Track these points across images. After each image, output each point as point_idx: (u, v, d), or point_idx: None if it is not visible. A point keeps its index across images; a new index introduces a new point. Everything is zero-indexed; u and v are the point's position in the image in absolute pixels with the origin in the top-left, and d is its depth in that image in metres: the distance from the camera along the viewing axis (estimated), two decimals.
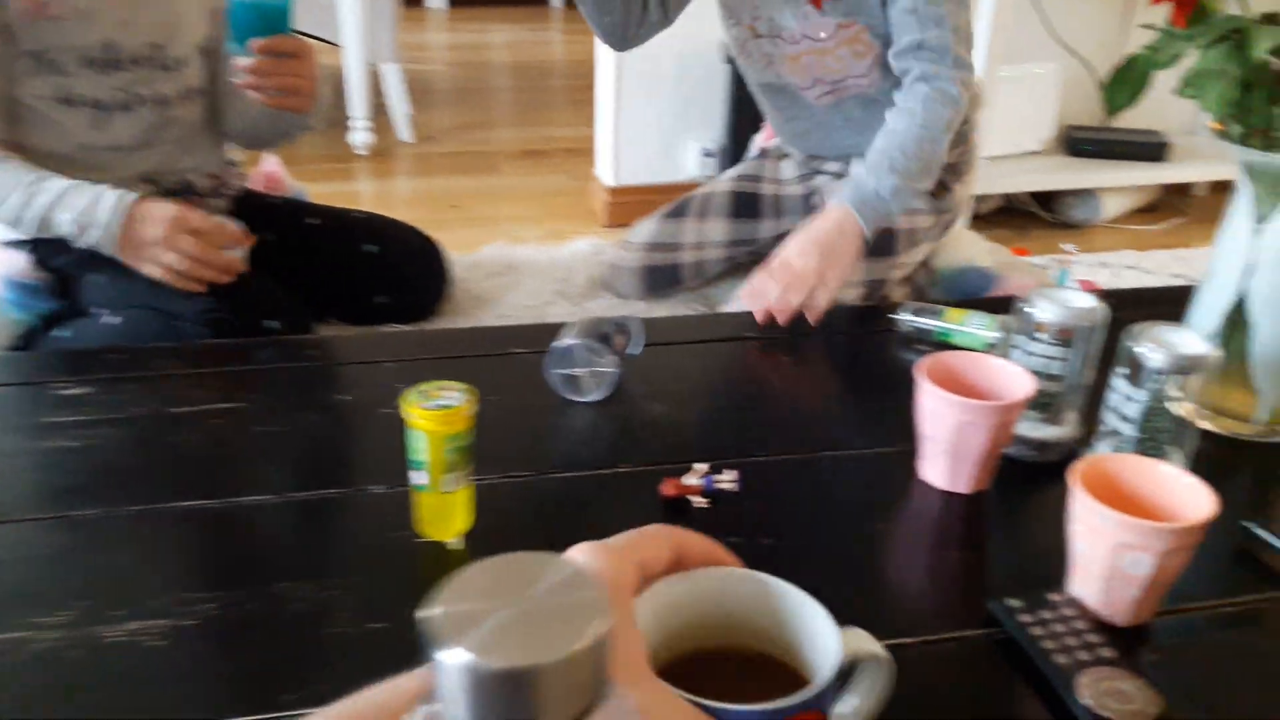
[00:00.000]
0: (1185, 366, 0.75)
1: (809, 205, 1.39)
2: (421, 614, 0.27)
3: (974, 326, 1.01)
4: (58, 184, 1.12)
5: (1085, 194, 2.54)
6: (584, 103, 3.77)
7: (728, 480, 0.79)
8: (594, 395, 0.92)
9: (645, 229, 1.44)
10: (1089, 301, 0.82)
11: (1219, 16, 0.80)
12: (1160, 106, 1.37)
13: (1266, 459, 0.86)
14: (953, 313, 1.03)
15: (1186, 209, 2.66)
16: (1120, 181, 2.49)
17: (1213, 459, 0.84)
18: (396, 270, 1.30)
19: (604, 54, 2.53)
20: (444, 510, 0.72)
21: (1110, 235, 2.49)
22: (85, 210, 1.11)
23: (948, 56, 1.17)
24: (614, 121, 2.56)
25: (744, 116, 2.41)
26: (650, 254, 1.42)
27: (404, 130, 3.23)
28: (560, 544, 0.71)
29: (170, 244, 1.10)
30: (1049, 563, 0.70)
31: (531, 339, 1.02)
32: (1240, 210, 0.84)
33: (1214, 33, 0.79)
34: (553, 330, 0.97)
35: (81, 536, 0.74)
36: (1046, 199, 2.55)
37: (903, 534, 0.77)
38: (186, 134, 1.26)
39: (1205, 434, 0.88)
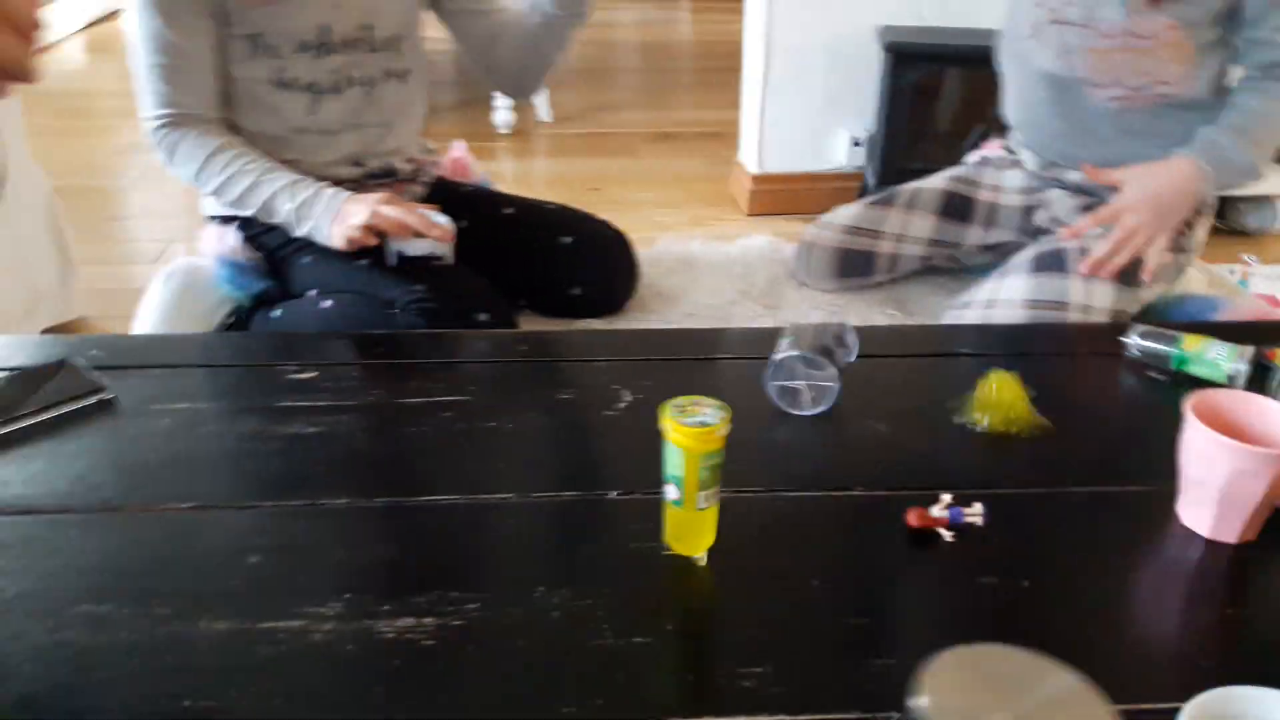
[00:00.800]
0: None
1: (1028, 219, 1.33)
2: (912, 702, 0.26)
3: (1214, 355, 0.96)
4: (285, 175, 1.18)
5: (1260, 200, 2.40)
6: (715, 85, 3.73)
7: (974, 514, 0.76)
8: (812, 410, 0.90)
9: (847, 212, 1.41)
10: None
11: None
12: None
13: None
14: (1190, 339, 0.97)
15: None
16: None
17: None
18: (590, 263, 1.30)
19: (752, 36, 2.48)
20: (695, 527, 0.71)
21: None
22: (306, 202, 1.15)
23: None
24: (760, 107, 2.51)
25: (898, 105, 2.34)
26: (847, 236, 1.38)
27: (544, 110, 3.25)
28: (808, 569, 0.70)
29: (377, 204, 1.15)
30: None
31: (743, 345, 1.01)
32: None
33: None
34: (761, 336, 0.95)
35: (333, 526, 0.75)
36: (1220, 205, 2.42)
37: (1166, 585, 0.73)
38: (390, 116, 1.27)
39: None
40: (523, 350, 1.00)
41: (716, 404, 0.70)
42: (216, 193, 1.18)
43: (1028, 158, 1.35)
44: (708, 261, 1.43)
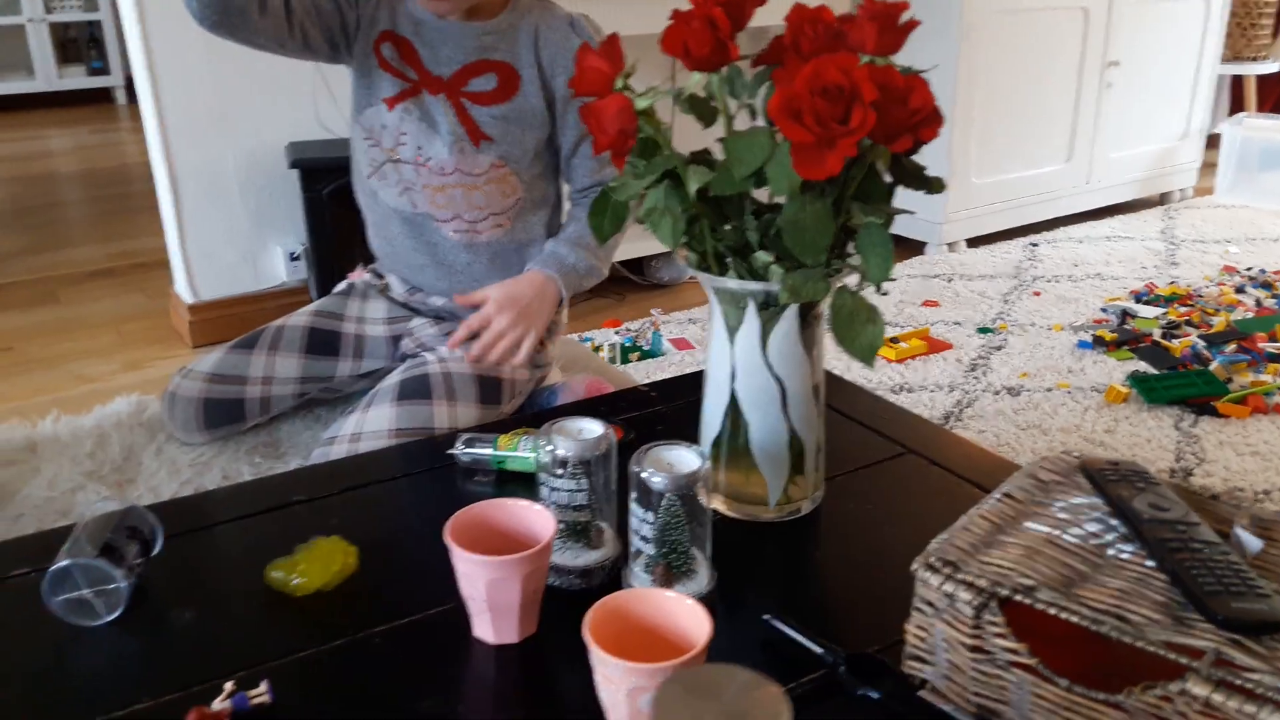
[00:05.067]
0: (684, 484, 0.81)
1: (395, 347, 1.37)
2: None
3: (523, 450, 1.04)
4: None
5: (669, 255, 2.74)
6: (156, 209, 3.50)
7: (260, 693, 0.74)
8: (107, 617, 0.82)
9: (209, 359, 1.35)
10: (597, 430, 0.87)
11: (660, 156, 0.88)
12: None
13: (789, 537, 0.96)
14: (503, 439, 1.05)
15: None
16: None
17: (742, 546, 0.92)
18: None
19: (156, 163, 2.35)
20: None
21: (695, 291, 2.71)
22: None
23: None
24: (179, 235, 2.38)
25: (320, 216, 2.35)
26: (211, 385, 1.32)
27: None
28: None
29: None
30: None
31: (35, 554, 0.90)
32: (715, 324, 0.93)
33: (654, 173, 0.87)
34: (55, 537, 0.86)
35: None
36: (636, 264, 2.73)
37: (465, 702, 0.76)
38: None
39: (730, 522, 0.97)
40: None
41: None
42: None
43: (394, 283, 1.40)
44: (55, 443, 1.28)
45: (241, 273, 2.48)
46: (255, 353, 1.33)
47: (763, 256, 0.85)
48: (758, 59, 0.85)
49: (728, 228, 0.88)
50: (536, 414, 1.25)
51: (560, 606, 0.84)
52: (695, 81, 0.85)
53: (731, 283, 0.88)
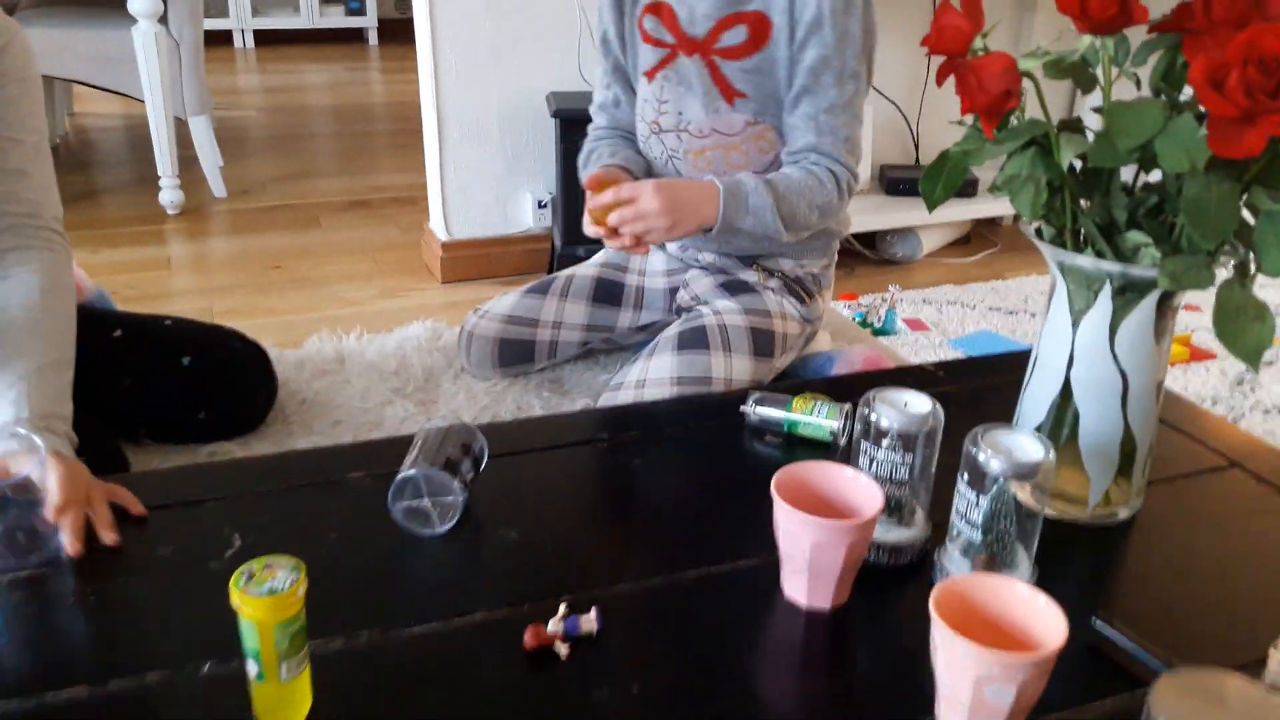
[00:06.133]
0: (1024, 472, 0.77)
1: (673, 299, 1.38)
2: None
3: (818, 416, 1.02)
4: None
5: (905, 231, 2.65)
6: (409, 148, 3.68)
7: (588, 619, 0.76)
8: (441, 528, 0.87)
9: (505, 301, 1.40)
10: (925, 405, 0.84)
11: (1023, 123, 0.83)
12: None
13: (1103, 542, 0.90)
14: (798, 402, 1.04)
15: (997, 238, 2.83)
16: (936, 218, 2.63)
17: (1054, 545, 0.87)
18: (217, 382, 1.20)
19: (426, 105, 2.47)
20: (284, 700, 0.66)
21: (930, 270, 2.61)
22: None
23: (839, 161, 1.25)
24: (441, 174, 2.49)
25: (573, 168, 2.38)
26: (507, 326, 1.37)
27: (217, 185, 3.06)
28: (419, 716, 0.66)
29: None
30: (916, 677, 0.71)
31: (368, 458, 0.96)
32: (1058, 305, 0.88)
33: (1020, 139, 0.82)
34: (391, 446, 0.91)
35: None
36: (869, 238, 2.66)
37: (770, 662, 0.76)
38: None
39: (1044, 520, 0.92)
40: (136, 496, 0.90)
41: (291, 563, 0.65)
42: None
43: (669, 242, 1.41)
44: (361, 359, 1.37)
45: (492, 215, 2.57)
46: (548, 298, 1.38)
47: (1136, 237, 0.79)
48: (1158, 25, 0.78)
49: (1089, 202, 0.83)
50: (828, 380, 1.23)
51: (867, 580, 0.82)
52: (1085, 44, 0.80)
53: (1087, 262, 0.82)
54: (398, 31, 5.54)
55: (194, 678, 0.71)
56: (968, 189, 2.61)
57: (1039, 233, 0.86)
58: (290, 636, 0.64)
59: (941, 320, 2.30)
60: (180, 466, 0.92)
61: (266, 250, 2.72)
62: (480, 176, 2.52)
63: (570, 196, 2.43)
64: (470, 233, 2.57)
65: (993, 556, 0.80)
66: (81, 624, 0.77)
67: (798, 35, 1.19)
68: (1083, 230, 0.83)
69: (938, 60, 0.84)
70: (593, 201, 1.20)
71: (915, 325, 2.26)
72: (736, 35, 1.21)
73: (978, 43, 0.84)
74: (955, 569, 0.82)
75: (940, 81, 0.87)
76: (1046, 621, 0.67)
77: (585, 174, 1.34)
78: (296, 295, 2.45)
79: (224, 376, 1.22)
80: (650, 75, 1.29)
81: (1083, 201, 0.84)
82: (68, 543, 0.80)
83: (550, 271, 2.59)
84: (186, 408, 1.17)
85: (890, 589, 0.83)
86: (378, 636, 0.75)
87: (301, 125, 4.16)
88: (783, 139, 1.26)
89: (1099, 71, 0.81)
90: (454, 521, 0.87)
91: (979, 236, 2.84)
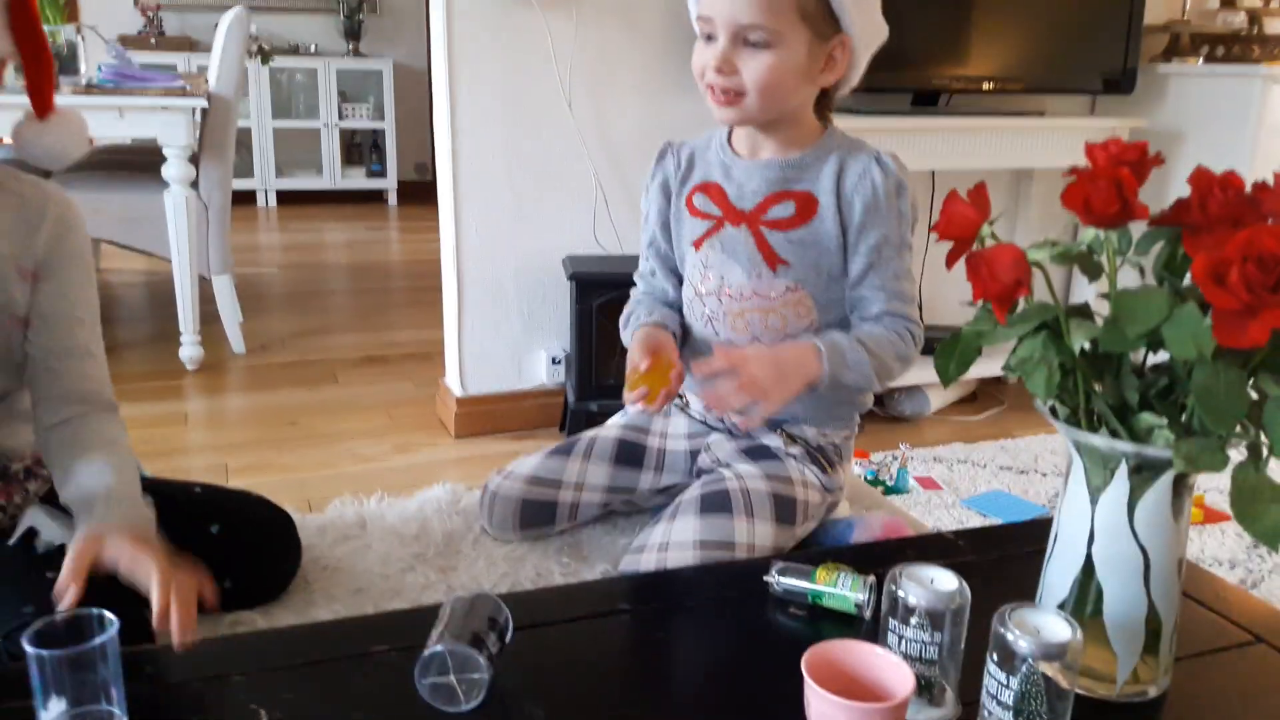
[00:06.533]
0: (1053, 653, 0.77)
1: (694, 461, 1.41)
2: None
3: (842, 588, 1.03)
4: None
5: (913, 389, 2.70)
6: (425, 304, 3.78)
7: None
8: (467, 705, 0.86)
9: (529, 462, 1.43)
10: (951, 583, 0.85)
11: (1033, 307, 0.88)
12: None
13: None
14: (821, 573, 1.04)
15: (1004, 396, 2.87)
16: None
17: None
18: (243, 550, 1.21)
19: (447, 265, 2.56)
20: None
21: (939, 428, 2.64)
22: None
23: (910, 319, 1.32)
24: (460, 331, 2.56)
25: (586, 327, 2.47)
26: (530, 487, 1.39)
27: (236, 341, 3.13)
28: None
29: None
30: None
31: (392, 631, 0.96)
32: (1075, 482, 0.90)
33: (1032, 323, 0.86)
34: (414, 618, 0.91)
35: None
36: (878, 396, 2.70)
37: None
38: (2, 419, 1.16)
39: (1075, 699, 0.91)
40: (147, 672, 0.90)
41: None
42: None
43: (694, 401, 1.44)
44: (382, 523, 1.38)
45: (507, 371, 2.63)
46: (571, 459, 1.40)
47: (1149, 419, 0.82)
48: (1158, 219, 0.83)
49: (1099, 385, 0.86)
50: (849, 549, 1.24)
51: None
52: (1089, 236, 0.85)
53: (1102, 442, 0.85)
54: (416, 193, 5.77)
55: None
56: None
57: (1054, 411, 0.89)
58: None
59: (953, 478, 2.31)
60: (206, 640, 0.92)
61: (282, 406, 2.77)
62: (496, 333, 2.59)
63: (585, 353, 2.50)
64: (485, 388, 2.62)
65: None
66: None
67: (854, 218, 1.29)
68: (1096, 410, 0.86)
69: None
70: (637, 370, 1.25)
71: (927, 484, 2.27)
72: (785, 210, 1.29)
73: (985, 229, 0.89)
74: None
75: (950, 265, 0.92)
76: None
77: (627, 334, 1.40)
78: (311, 452, 2.48)
79: (251, 545, 1.23)
80: (697, 245, 1.35)
81: (1094, 384, 0.87)
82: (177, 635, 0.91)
83: (563, 425, 2.63)
84: (213, 576, 1.18)
85: None
86: None
87: (320, 282, 4.29)
88: (819, 307, 1.33)
89: (1104, 260, 0.85)
90: (481, 699, 0.86)
91: (985, 394, 2.88)
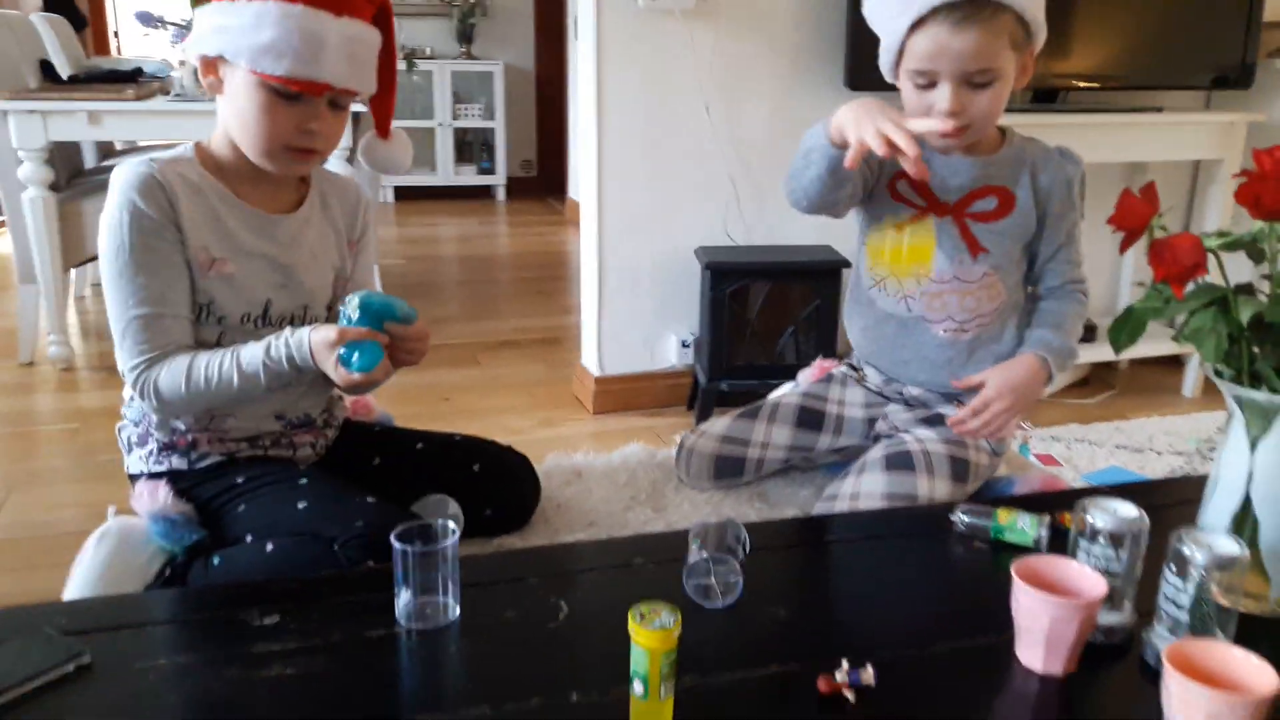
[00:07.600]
0: (1223, 563, 0.95)
1: (870, 428, 1.60)
2: None
3: (1023, 525, 1.21)
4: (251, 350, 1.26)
5: None
6: (544, 294, 4.02)
7: (868, 676, 0.94)
8: (723, 603, 1.07)
9: (720, 424, 1.64)
10: (1133, 511, 1.03)
11: (1203, 286, 1.05)
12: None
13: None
14: (1003, 513, 1.23)
15: (1114, 381, 2.99)
16: None
17: (1243, 639, 1.03)
18: (499, 486, 1.44)
19: (588, 256, 2.78)
20: (659, 715, 0.85)
21: (1054, 410, 2.78)
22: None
23: (1083, 281, 1.57)
24: (597, 317, 2.78)
25: (718, 312, 2.66)
26: (722, 445, 1.60)
27: None
28: None
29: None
30: None
31: (647, 548, 1.17)
32: (1236, 431, 1.07)
33: (1203, 299, 1.03)
34: (665, 541, 1.12)
35: None
36: None
37: (1015, 714, 0.93)
38: (309, 379, 1.39)
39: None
40: (464, 576, 1.12)
41: (668, 607, 0.86)
42: (214, 388, 1.23)
43: (871, 374, 1.63)
44: (594, 471, 1.60)
45: (639, 353, 2.84)
46: (757, 421, 1.61)
47: None
48: None
49: (1261, 349, 1.03)
50: (1019, 498, 1.42)
51: (1086, 654, 0.99)
52: (1256, 227, 1.02)
53: (1263, 397, 1.02)
54: (523, 188, 6.03)
55: (566, 703, 0.91)
56: (1087, 334, 2.80)
57: (1218, 373, 1.06)
58: (670, 664, 0.84)
59: (1071, 456, 2.45)
60: (500, 552, 1.14)
61: (436, 384, 3.02)
62: (631, 319, 2.80)
63: (717, 336, 2.69)
64: (620, 369, 2.83)
65: (1197, 636, 0.97)
66: (469, 666, 0.98)
67: (1046, 220, 1.51)
68: (1260, 370, 1.03)
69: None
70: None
71: (1047, 460, 2.41)
72: (988, 204, 1.48)
73: (1155, 221, 1.07)
74: (1163, 644, 0.98)
75: (1122, 251, 1.10)
76: (1258, 677, 0.83)
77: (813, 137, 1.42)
78: (468, 424, 2.72)
79: (504, 480, 1.47)
80: (900, 228, 1.53)
81: (1257, 350, 1.04)
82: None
83: (690, 403, 2.84)
84: (477, 507, 1.41)
85: (1105, 662, 0.99)
86: (700, 681, 0.94)
87: (442, 273, 4.56)
88: (1007, 288, 1.52)
89: (1267, 247, 1.02)
90: (734, 598, 1.07)
91: (1097, 379, 3.00)
